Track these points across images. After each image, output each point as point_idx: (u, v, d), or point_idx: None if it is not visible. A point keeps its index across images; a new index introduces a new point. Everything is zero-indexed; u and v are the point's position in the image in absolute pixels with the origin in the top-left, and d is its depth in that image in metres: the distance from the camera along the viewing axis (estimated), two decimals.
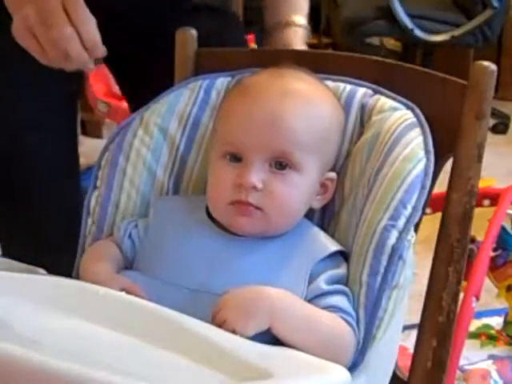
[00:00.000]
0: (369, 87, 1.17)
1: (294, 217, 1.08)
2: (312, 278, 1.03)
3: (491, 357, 2.02)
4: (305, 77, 1.12)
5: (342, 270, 1.06)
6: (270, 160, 1.05)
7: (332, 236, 1.11)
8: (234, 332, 0.94)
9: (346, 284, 1.05)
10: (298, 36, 1.39)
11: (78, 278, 1.11)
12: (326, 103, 1.11)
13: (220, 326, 0.95)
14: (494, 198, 1.80)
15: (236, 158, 1.06)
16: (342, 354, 0.99)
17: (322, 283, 1.03)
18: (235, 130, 1.07)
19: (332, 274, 1.04)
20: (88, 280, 1.03)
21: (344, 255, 1.08)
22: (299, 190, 1.06)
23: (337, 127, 1.12)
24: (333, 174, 1.11)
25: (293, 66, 1.13)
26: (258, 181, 1.04)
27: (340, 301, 1.02)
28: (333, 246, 1.07)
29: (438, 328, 1.12)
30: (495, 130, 3.77)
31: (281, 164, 1.05)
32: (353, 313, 1.02)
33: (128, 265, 1.11)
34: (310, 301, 1.02)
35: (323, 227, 1.13)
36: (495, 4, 3.46)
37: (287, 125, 1.05)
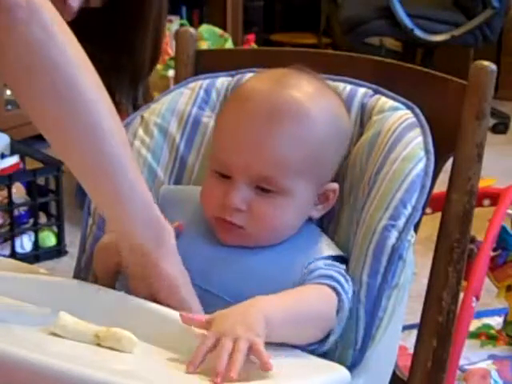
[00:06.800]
0: (369, 87, 1.17)
1: (281, 232, 1.06)
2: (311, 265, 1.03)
3: (491, 357, 2.01)
4: (305, 85, 1.08)
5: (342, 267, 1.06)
6: (255, 182, 1.04)
7: (332, 236, 1.11)
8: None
9: None
10: None
11: (78, 277, 1.11)
12: (321, 116, 1.06)
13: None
14: (494, 197, 1.79)
15: (224, 176, 1.06)
16: (324, 320, 0.99)
17: (321, 264, 1.03)
18: (224, 147, 1.07)
19: (332, 263, 1.04)
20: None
21: (345, 262, 1.07)
22: (285, 211, 1.05)
23: (335, 139, 1.08)
24: (335, 185, 1.09)
25: (300, 68, 1.10)
26: (242, 202, 1.04)
27: (332, 272, 1.02)
28: (333, 251, 1.07)
29: (438, 328, 1.12)
30: (495, 130, 3.77)
31: (264, 188, 1.04)
32: (342, 280, 1.01)
33: None
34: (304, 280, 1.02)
35: (323, 227, 1.13)
36: (495, 4, 3.46)
37: (271, 150, 1.03)
